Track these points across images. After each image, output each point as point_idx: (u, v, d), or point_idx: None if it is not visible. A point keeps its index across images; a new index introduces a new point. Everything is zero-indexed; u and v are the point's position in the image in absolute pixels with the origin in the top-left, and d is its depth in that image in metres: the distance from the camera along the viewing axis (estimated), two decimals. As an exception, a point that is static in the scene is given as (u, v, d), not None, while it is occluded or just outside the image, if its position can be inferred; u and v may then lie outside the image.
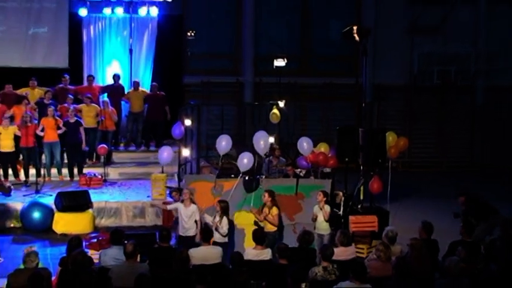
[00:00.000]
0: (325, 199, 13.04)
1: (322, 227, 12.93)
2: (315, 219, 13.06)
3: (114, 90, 20.62)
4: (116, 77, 20.85)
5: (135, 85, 20.71)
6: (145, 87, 21.12)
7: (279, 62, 19.89)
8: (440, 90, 25.34)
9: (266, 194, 13.03)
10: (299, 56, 24.55)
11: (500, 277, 9.61)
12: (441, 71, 25.26)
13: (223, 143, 15.17)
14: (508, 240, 10.70)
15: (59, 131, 18.02)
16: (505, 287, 9.08)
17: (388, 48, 24.54)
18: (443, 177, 22.98)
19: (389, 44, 24.65)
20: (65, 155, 18.65)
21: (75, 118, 18.40)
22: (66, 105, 18.97)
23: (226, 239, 12.48)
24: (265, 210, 12.88)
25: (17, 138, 17.76)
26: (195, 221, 12.84)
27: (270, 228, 12.88)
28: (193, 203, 12.97)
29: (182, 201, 13.01)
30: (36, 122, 18.00)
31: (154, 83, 20.90)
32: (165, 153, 16.55)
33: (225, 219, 12.48)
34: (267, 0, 24.71)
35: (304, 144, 15.80)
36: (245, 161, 14.13)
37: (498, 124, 25.40)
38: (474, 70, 25.59)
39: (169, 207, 14.07)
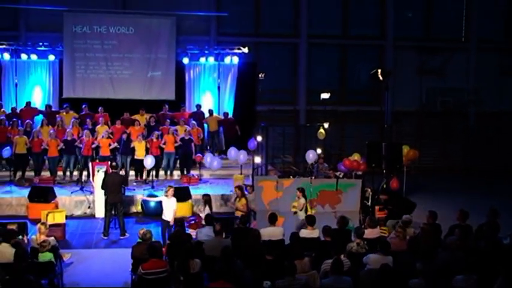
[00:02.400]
0: (301, 194, 12.89)
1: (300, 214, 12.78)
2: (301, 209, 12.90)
3: (198, 115, 20.69)
4: (198, 106, 20.97)
5: (210, 112, 20.77)
6: (230, 113, 21.14)
7: (325, 95, 19.81)
8: (442, 115, 24.96)
9: (236, 189, 13.69)
10: (338, 90, 24.39)
11: (487, 251, 9.43)
12: (442, 101, 24.95)
13: (311, 155, 16.23)
14: (492, 225, 10.45)
15: (176, 144, 18.24)
16: (490, 258, 8.89)
17: (403, 83, 24.22)
18: (444, 178, 22.59)
19: (404, 80, 24.35)
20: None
21: (189, 136, 18.56)
22: (165, 126, 19.13)
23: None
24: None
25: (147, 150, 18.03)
26: (173, 210, 12.89)
27: (238, 213, 13.14)
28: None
29: (166, 196, 12.99)
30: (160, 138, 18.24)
31: (225, 111, 21.02)
32: (311, 154, 16.75)
33: (207, 207, 12.76)
34: (316, 50, 24.60)
35: (310, 155, 16.65)
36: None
37: (486, 139, 25.05)
38: (467, 100, 25.19)
39: (155, 199, 14.21)
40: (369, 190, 14.93)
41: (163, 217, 12.97)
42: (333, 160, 18.76)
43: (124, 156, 17.93)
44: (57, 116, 19.46)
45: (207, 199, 13.10)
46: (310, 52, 24.62)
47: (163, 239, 12.66)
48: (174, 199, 13.08)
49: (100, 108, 19.89)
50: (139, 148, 17.87)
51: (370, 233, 10.54)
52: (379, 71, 15.83)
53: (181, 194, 15.70)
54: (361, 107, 24.42)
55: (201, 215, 12.88)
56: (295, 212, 12.81)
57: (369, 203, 14.54)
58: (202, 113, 20.85)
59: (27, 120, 18.97)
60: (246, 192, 14.86)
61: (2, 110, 19.70)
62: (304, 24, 24.38)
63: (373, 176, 15.44)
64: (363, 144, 16.34)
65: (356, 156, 16.93)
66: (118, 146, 17.90)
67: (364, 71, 23.25)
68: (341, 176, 15.96)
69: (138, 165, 18.13)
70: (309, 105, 24.17)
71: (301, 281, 8.08)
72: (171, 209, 12.91)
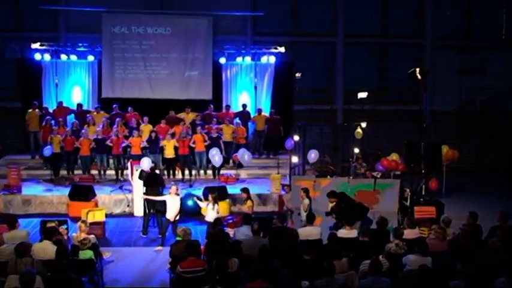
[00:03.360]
0: (305, 195, 12.91)
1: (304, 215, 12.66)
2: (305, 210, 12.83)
3: (244, 115, 20.78)
4: (244, 106, 21.03)
5: (259, 111, 20.84)
6: (266, 112, 21.13)
7: (362, 94, 19.63)
8: (481, 114, 24.59)
9: (243, 191, 13.59)
10: (376, 89, 24.17)
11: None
12: (482, 100, 24.62)
13: (313, 155, 16.15)
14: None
15: (205, 143, 18.32)
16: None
17: (442, 82, 23.93)
18: (484, 178, 22.21)
19: (443, 79, 24.05)
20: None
21: (217, 134, 18.67)
22: (211, 125, 19.24)
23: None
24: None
25: (176, 148, 18.14)
26: (177, 209, 13.02)
27: None
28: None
29: (170, 194, 13.08)
30: (190, 137, 18.34)
31: (272, 110, 20.94)
32: (313, 154, 16.82)
33: (216, 206, 12.74)
34: (353, 49, 24.46)
35: (312, 155, 17.09)
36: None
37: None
38: (506, 98, 24.79)
39: (160, 198, 13.99)
40: (408, 190, 14.79)
41: (167, 216, 13.07)
42: (371, 160, 18.60)
43: (153, 155, 18.04)
44: (88, 115, 19.76)
45: (215, 197, 13.06)
46: (347, 51, 24.48)
47: (163, 237, 12.98)
48: (178, 197, 13.18)
49: (129, 108, 20.15)
50: (168, 147, 18.02)
51: (409, 233, 10.43)
52: (417, 70, 15.65)
53: (219, 194, 15.76)
54: (399, 106, 24.18)
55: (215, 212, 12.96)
56: (299, 213, 12.84)
57: (408, 204, 14.41)
58: (248, 113, 20.94)
59: (60, 119, 19.32)
60: (284, 192, 14.90)
61: (37, 110, 19.99)
62: (341, 23, 24.26)
63: (412, 176, 15.27)
64: (401, 144, 16.18)
65: (394, 156, 16.79)
66: (147, 145, 18.08)
67: (402, 70, 22.96)
68: (379, 176, 15.85)
69: (169, 164, 18.28)
70: (346, 104, 24.03)
71: (339, 281, 8.04)
72: (175, 207, 13.02)
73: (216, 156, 17.51)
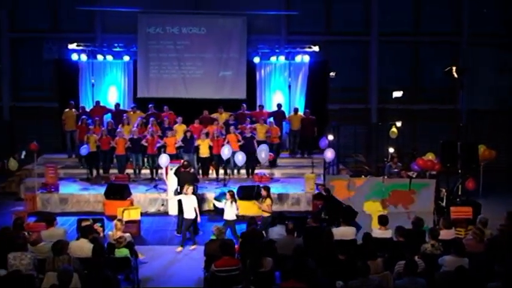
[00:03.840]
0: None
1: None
2: None
3: (278, 115, 20.76)
4: (279, 106, 21.01)
5: (295, 111, 20.80)
6: (300, 112, 21.02)
7: (397, 93, 19.49)
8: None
9: (262, 189, 13.28)
10: (411, 88, 23.90)
11: None
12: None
13: (329, 154, 16.64)
14: None
15: (239, 143, 18.35)
16: None
17: (480, 81, 23.54)
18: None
19: (481, 78, 23.65)
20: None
21: (251, 134, 18.69)
22: (245, 125, 19.28)
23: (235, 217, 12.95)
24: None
25: (210, 148, 18.19)
26: (194, 208, 12.96)
27: (265, 214, 13.03)
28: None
29: (185, 194, 13.05)
30: (223, 136, 18.39)
31: (307, 110, 20.87)
32: (329, 153, 16.88)
33: (233, 203, 12.96)
34: (387, 48, 24.24)
35: (329, 153, 16.78)
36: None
37: None
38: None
39: (175, 197, 14.16)
40: (444, 191, 14.62)
41: (185, 215, 13.09)
42: (406, 159, 18.44)
43: (188, 155, 18.14)
44: (124, 115, 19.96)
45: (232, 194, 13.20)
46: (382, 50, 24.27)
47: (183, 237, 12.99)
48: (194, 197, 13.16)
49: (165, 107, 20.31)
50: (203, 146, 18.10)
51: (445, 234, 10.31)
52: (454, 68, 15.45)
53: (252, 192, 15.79)
54: (434, 105, 23.89)
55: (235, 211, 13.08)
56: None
57: (444, 204, 14.25)
58: (283, 112, 20.93)
59: (96, 118, 19.56)
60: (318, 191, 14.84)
61: (74, 110, 20.31)
62: (375, 21, 24.05)
63: (448, 176, 15.08)
64: (437, 143, 15.99)
65: (430, 156, 16.61)
66: (182, 144, 18.16)
67: (438, 69, 22.69)
68: (414, 175, 15.68)
69: (203, 163, 18.36)
70: (380, 103, 23.83)
71: (374, 281, 8.00)
72: (191, 206, 13.01)
73: (262, 152, 17.50)
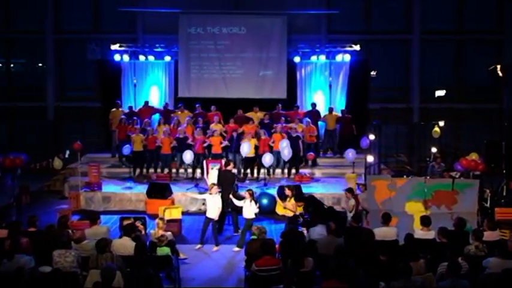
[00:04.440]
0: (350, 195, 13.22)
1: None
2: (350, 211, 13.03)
3: (313, 114, 20.67)
4: (313, 105, 20.95)
5: (330, 110, 20.73)
6: (339, 111, 21.01)
7: (440, 92, 19.29)
8: None
9: (286, 189, 13.30)
10: (454, 87, 23.54)
11: None
12: None
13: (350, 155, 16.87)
14: None
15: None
16: None
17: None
18: None
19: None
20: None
21: (297, 134, 18.62)
22: (280, 124, 19.21)
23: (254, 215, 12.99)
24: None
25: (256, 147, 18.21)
26: (218, 208, 13.04)
27: (289, 213, 13.04)
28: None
29: (210, 194, 13.13)
30: (267, 136, 18.40)
31: (343, 109, 20.82)
32: (350, 153, 16.92)
33: (253, 202, 13.01)
34: (430, 46, 23.93)
35: (350, 154, 17.23)
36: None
37: None
38: None
39: (199, 196, 14.42)
40: (488, 191, 14.39)
41: (207, 214, 13.14)
42: (449, 159, 18.18)
43: (235, 154, 18.21)
44: (172, 115, 20.13)
45: (251, 193, 13.26)
46: (424, 48, 23.97)
47: (202, 236, 13.05)
48: (218, 196, 13.21)
49: (212, 107, 20.38)
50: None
51: (489, 235, 10.14)
52: (498, 66, 15.18)
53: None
54: (478, 104, 23.48)
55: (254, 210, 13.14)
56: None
57: (488, 205, 14.01)
58: (318, 112, 20.85)
59: (146, 119, 19.74)
60: (359, 192, 14.73)
61: (120, 109, 20.62)
62: (416, 19, 23.74)
63: (492, 177, 14.83)
64: (480, 143, 15.75)
65: (474, 156, 16.33)
66: (229, 144, 18.22)
67: (481, 67, 22.35)
68: (457, 176, 15.45)
69: (249, 163, 18.39)
70: (422, 103, 23.56)
71: (416, 283, 7.91)
72: (215, 206, 13.05)
73: (285, 149, 17.41)
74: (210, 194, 13.15)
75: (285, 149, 17.46)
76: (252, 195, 13.15)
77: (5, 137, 23.85)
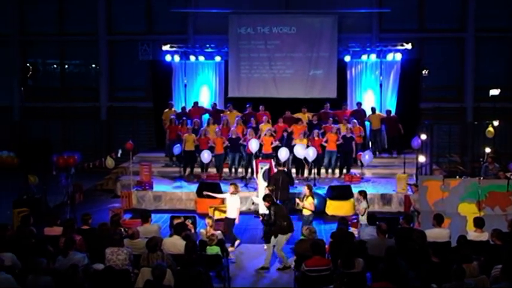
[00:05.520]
0: (362, 197, 12.96)
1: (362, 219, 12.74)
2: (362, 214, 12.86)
3: (359, 114, 20.51)
4: (359, 104, 20.79)
5: (373, 110, 20.54)
6: (392, 111, 20.74)
7: (494, 92, 18.84)
8: None
9: (305, 187, 13.03)
10: (509, 86, 22.95)
11: None
12: None
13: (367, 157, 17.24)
14: None
15: (337, 143, 18.25)
16: None
17: None
18: None
19: None
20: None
21: (350, 134, 18.50)
22: (328, 124, 19.12)
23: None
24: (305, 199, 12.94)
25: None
26: (236, 208, 12.99)
27: (306, 212, 12.88)
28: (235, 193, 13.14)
29: (231, 193, 13.05)
30: (321, 136, 18.36)
31: (388, 109, 20.62)
32: (367, 156, 17.21)
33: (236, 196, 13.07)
34: (484, 44, 23.45)
35: (366, 156, 17.40)
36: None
37: None
38: None
39: (218, 196, 14.33)
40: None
41: (227, 215, 13.13)
42: (503, 160, 17.78)
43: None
44: (221, 115, 20.25)
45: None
46: (478, 47, 23.50)
47: (230, 237, 12.91)
48: (237, 196, 13.17)
49: (261, 106, 20.44)
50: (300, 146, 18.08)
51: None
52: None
53: (344, 193, 15.71)
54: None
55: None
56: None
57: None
58: (364, 111, 20.67)
59: (195, 119, 19.90)
60: (411, 193, 14.55)
61: (173, 109, 20.87)
62: (471, 17, 23.29)
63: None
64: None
65: (530, 156, 15.99)
66: (280, 144, 18.21)
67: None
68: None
69: (298, 163, 18.34)
70: (476, 102, 23.10)
71: (470, 285, 7.77)
72: (234, 206, 13.03)
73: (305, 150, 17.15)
74: (232, 194, 13.18)
75: (310, 151, 17.24)
76: (235, 188, 13.17)
77: (59, 136, 24.39)
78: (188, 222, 11.79)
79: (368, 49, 21.47)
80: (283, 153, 16.78)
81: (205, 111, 21.27)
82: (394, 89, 21.61)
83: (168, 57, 21.68)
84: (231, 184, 13.45)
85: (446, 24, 23.75)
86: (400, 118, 20.47)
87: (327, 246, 10.19)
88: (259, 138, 18.21)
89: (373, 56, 21.37)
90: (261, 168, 15.58)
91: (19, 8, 24.72)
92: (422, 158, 17.12)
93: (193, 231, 11.62)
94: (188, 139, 18.50)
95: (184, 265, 8.63)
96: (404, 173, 17.25)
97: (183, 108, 21.12)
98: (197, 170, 18.78)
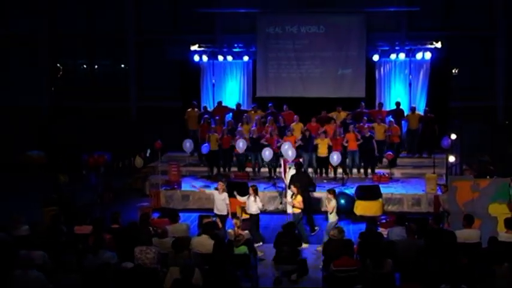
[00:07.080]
0: (332, 196, 12.88)
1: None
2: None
3: (397, 113, 20.38)
4: (398, 104, 20.63)
5: (413, 110, 20.36)
6: (420, 110, 20.60)
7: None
8: None
9: (293, 186, 13.25)
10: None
11: None
12: None
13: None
14: None
15: (358, 142, 18.19)
16: None
17: None
18: None
19: None
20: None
21: (369, 133, 18.44)
22: (362, 124, 19.07)
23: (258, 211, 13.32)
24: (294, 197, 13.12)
25: (329, 147, 18.11)
26: (226, 204, 13.18)
27: (295, 210, 12.99)
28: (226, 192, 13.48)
29: (216, 189, 13.38)
30: (342, 135, 18.29)
31: (426, 108, 20.42)
32: (335, 156, 17.02)
33: (257, 197, 13.25)
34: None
35: (335, 157, 17.03)
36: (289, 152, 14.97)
37: None
38: None
39: (207, 191, 14.74)
40: None
41: (215, 211, 13.32)
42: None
43: (311, 154, 18.17)
44: (244, 114, 20.32)
45: (255, 189, 13.44)
46: (509, 45, 23.19)
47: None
48: (226, 194, 13.36)
49: (285, 106, 20.49)
50: (322, 146, 18.06)
51: None
52: None
53: (372, 193, 15.64)
54: None
55: (259, 205, 13.32)
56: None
57: None
58: (402, 111, 20.54)
59: (229, 119, 20.15)
60: (439, 192, 14.42)
61: (196, 109, 20.98)
62: (501, 15, 23.00)
63: None
64: None
65: None
66: (302, 143, 18.19)
67: None
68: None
69: (321, 163, 18.30)
70: (507, 101, 22.79)
71: (500, 287, 7.69)
72: (222, 203, 13.23)
73: (289, 150, 16.73)
74: (217, 190, 13.49)
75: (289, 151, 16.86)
76: (255, 191, 13.28)
77: (89, 136, 24.62)
78: (218, 221, 11.91)
79: (397, 48, 21.28)
80: (335, 158, 17.03)
81: (229, 110, 21.35)
82: (423, 88, 21.42)
83: (196, 57, 21.78)
84: (219, 182, 13.89)
85: (476, 22, 23.48)
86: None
87: (355, 246, 10.16)
88: (282, 137, 18.18)
89: (402, 55, 21.17)
90: (289, 168, 15.56)
91: (48, 8, 25.04)
92: (452, 158, 16.96)
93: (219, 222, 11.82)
94: (212, 138, 18.61)
95: (212, 264, 8.69)
96: (434, 173, 17.12)
97: (205, 108, 21.21)
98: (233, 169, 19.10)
